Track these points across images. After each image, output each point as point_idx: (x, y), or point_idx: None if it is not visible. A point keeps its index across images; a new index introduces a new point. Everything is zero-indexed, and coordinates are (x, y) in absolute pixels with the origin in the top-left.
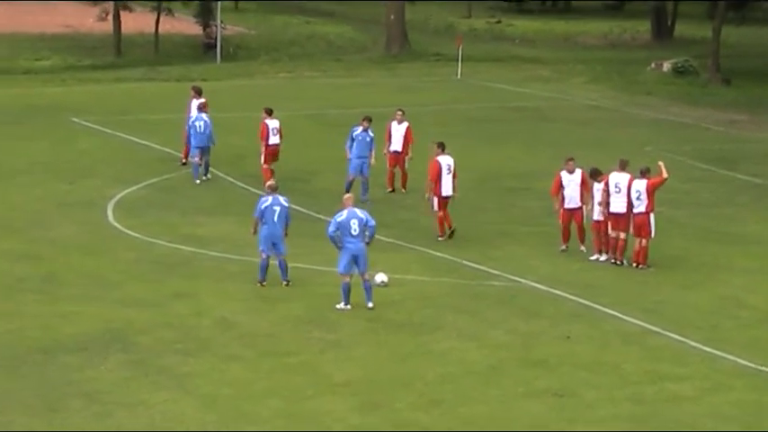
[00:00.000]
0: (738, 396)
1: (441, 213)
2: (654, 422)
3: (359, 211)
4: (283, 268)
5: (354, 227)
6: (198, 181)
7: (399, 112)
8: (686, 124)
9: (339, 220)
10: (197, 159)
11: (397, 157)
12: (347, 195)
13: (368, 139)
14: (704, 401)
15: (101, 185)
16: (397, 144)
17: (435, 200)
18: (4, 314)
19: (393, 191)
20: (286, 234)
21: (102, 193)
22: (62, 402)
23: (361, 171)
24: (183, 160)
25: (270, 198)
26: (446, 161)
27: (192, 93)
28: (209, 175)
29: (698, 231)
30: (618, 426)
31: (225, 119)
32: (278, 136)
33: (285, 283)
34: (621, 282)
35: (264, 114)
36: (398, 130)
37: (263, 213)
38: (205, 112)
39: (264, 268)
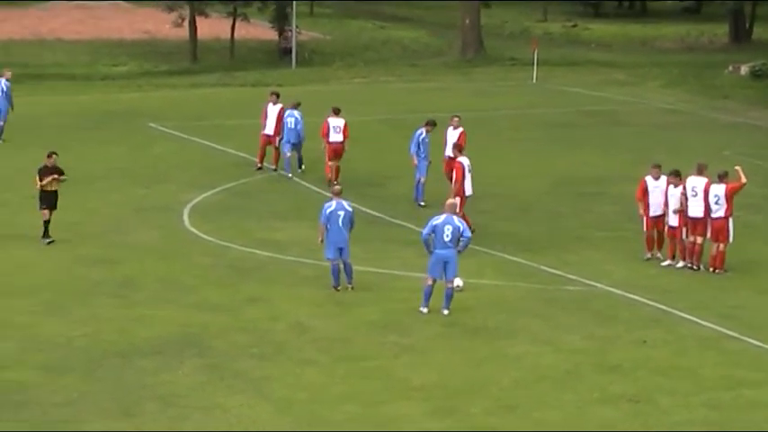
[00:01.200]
0: None
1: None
2: (730, 428)
3: (456, 219)
4: (349, 272)
5: (447, 233)
6: (291, 174)
7: (456, 118)
8: (764, 128)
9: (435, 223)
10: (288, 155)
11: (452, 162)
12: (449, 201)
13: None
14: None
15: (176, 190)
16: (450, 149)
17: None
18: (81, 318)
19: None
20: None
21: (177, 198)
22: (138, 406)
23: (424, 173)
24: (259, 165)
25: (334, 203)
26: (466, 162)
27: (272, 97)
28: (302, 167)
29: None
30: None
31: None
32: (341, 134)
33: (350, 286)
34: (698, 287)
35: (331, 113)
36: (453, 136)
37: (328, 219)
38: (297, 110)
39: (336, 273)
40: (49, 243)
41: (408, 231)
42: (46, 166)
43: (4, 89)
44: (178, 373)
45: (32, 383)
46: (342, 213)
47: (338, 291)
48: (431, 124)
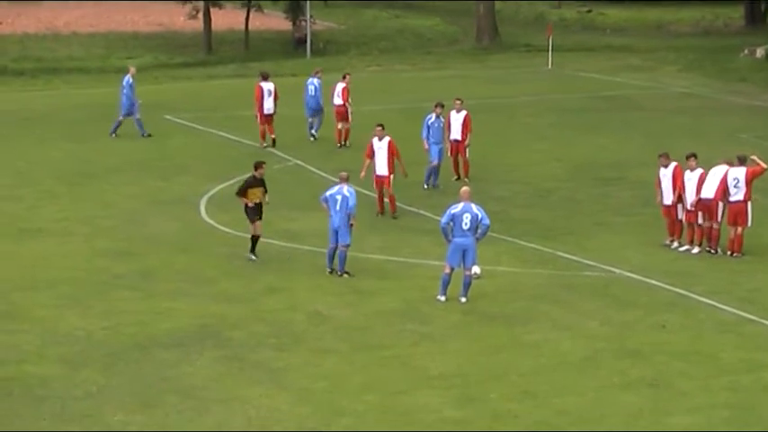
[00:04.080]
0: None
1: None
2: (752, 411)
3: (474, 207)
4: (341, 258)
5: (466, 221)
6: (312, 138)
7: (458, 101)
8: None
9: (453, 212)
10: (310, 120)
11: (458, 146)
12: (464, 189)
13: (441, 125)
14: None
15: (193, 182)
16: (456, 133)
17: None
18: (101, 311)
19: (459, 178)
20: (351, 225)
21: (195, 190)
22: (158, 398)
23: (439, 157)
24: (264, 144)
25: (336, 187)
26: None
27: (259, 77)
28: (315, 136)
29: None
30: (715, 415)
31: None
32: (340, 98)
33: (340, 274)
34: (716, 270)
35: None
36: (457, 119)
37: (326, 200)
38: (317, 77)
39: (329, 256)
40: (254, 260)
41: (425, 220)
42: (254, 177)
43: (125, 84)
44: (197, 364)
45: (53, 377)
46: (339, 198)
47: (330, 273)
48: (439, 106)
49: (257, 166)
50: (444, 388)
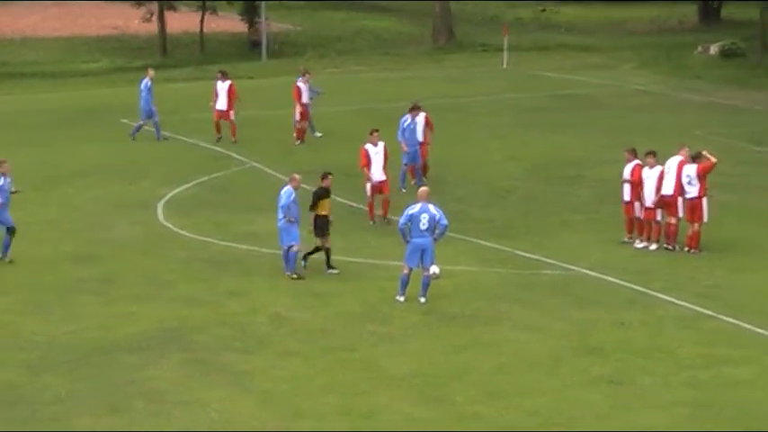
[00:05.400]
0: None
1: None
2: (712, 407)
3: (432, 207)
4: (287, 259)
5: (424, 221)
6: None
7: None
8: (736, 107)
9: (411, 212)
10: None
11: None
12: (422, 189)
13: (416, 127)
14: (761, 385)
15: (153, 186)
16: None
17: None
18: (63, 316)
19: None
20: (290, 222)
21: (154, 194)
22: (125, 402)
23: (414, 159)
24: (218, 136)
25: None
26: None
27: (219, 75)
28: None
29: (751, 215)
30: (675, 411)
31: (272, 116)
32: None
33: (288, 275)
34: (674, 267)
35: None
36: (418, 123)
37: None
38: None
39: (284, 259)
40: (336, 273)
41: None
42: (323, 188)
43: (143, 88)
44: (161, 368)
45: (19, 382)
46: (281, 198)
47: (292, 278)
48: (415, 108)
49: (324, 176)
50: (406, 388)
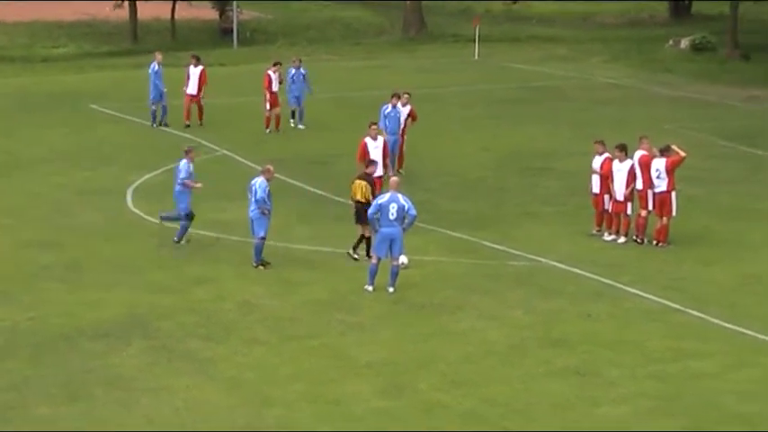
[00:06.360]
0: (762, 372)
1: None
2: (677, 400)
3: (401, 197)
4: (255, 250)
5: (393, 211)
6: (295, 125)
7: (406, 95)
8: (706, 101)
9: (380, 202)
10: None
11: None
12: (393, 179)
13: (398, 115)
14: (727, 378)
15: (120, 172)
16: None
17: None
18: (27, 303)
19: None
20: (264, 213)
21: (121, 180)
22: (85, 389)
23: (393, 149)
24: (187, 123)
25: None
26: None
27: (193, 60)
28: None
29: (719, 208)
30: (641, 404)
31: (243, 103)
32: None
33: (254, 265)
34: (642, 260)
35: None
36: (402, 113)
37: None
38: (294, 67)
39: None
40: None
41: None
42: (367, 174)
43: (152, 72)
44: (124, 355)
45: None
46: (253, 188)
47: (256, 267)
48: (396, 97)
49: (368, 164)
50: (373, 377)
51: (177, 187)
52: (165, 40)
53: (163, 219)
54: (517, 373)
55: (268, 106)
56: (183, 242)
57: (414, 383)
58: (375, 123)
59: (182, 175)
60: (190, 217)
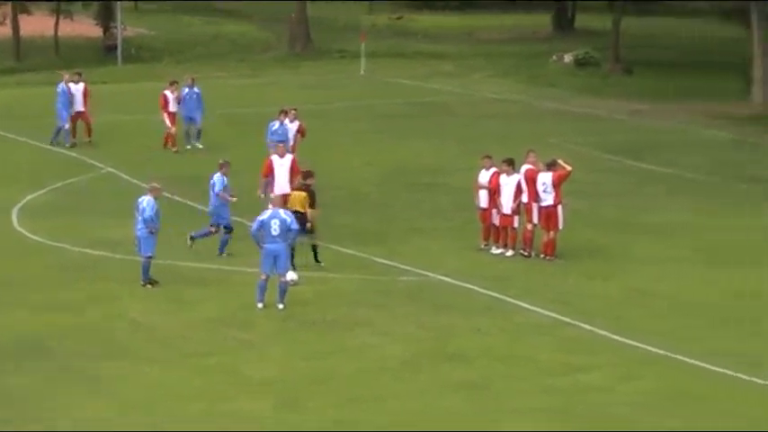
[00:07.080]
0: (649, 384)
1: None
2: (569, 413)
3: (282, 213)
4: (143, 269)
5: (275, 227)
6: (189, 146)
7: (294, 111)
8: (590, 115)
9: (262, 218)
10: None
11: None
12: (276, 195)
13: (285, 131)
14: (617, 390)
15: (5, 191)
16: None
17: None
18: None
19: None
20: (152, 232)
21: (7, 199)
22: None
23: None
24: (73, 141)
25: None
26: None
27: (75, 77)
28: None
29: (605, 222)
30: (534, 417)
31: (129, 121)
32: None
33: (142, 284)
34: (530, 273)
35: (167, 85)
36: (291, 129)
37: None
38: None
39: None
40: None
41: (242, 226)
42: (306, 185)
43: (60, 92)
44: (16, 375)
45: None
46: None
47: (144, 285)
48: (283, 113)
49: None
50: (268, 394)
51: (214, 201)
52: (49, 58)
53: (193, 238)
54: (412, 388)
55: (168, 123)
56: (224, 254)
57: (309, 400)
58: (282, 141)
59: (217, 188)
60: (229, 230)
